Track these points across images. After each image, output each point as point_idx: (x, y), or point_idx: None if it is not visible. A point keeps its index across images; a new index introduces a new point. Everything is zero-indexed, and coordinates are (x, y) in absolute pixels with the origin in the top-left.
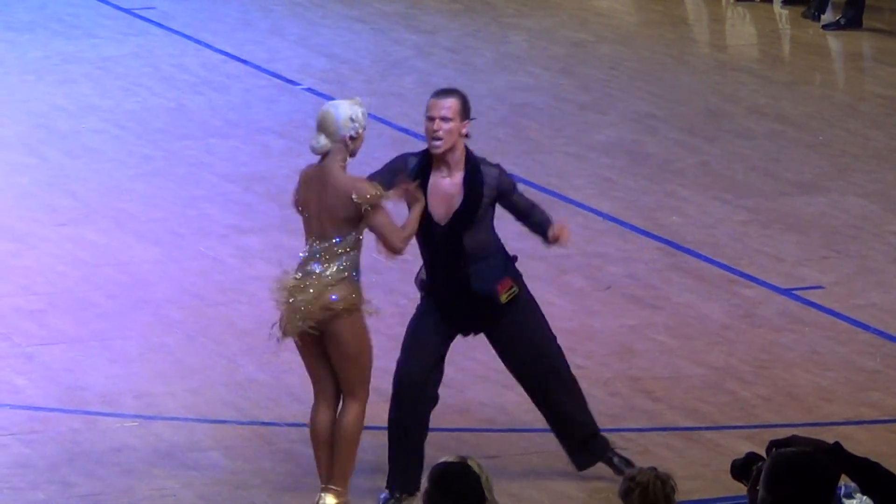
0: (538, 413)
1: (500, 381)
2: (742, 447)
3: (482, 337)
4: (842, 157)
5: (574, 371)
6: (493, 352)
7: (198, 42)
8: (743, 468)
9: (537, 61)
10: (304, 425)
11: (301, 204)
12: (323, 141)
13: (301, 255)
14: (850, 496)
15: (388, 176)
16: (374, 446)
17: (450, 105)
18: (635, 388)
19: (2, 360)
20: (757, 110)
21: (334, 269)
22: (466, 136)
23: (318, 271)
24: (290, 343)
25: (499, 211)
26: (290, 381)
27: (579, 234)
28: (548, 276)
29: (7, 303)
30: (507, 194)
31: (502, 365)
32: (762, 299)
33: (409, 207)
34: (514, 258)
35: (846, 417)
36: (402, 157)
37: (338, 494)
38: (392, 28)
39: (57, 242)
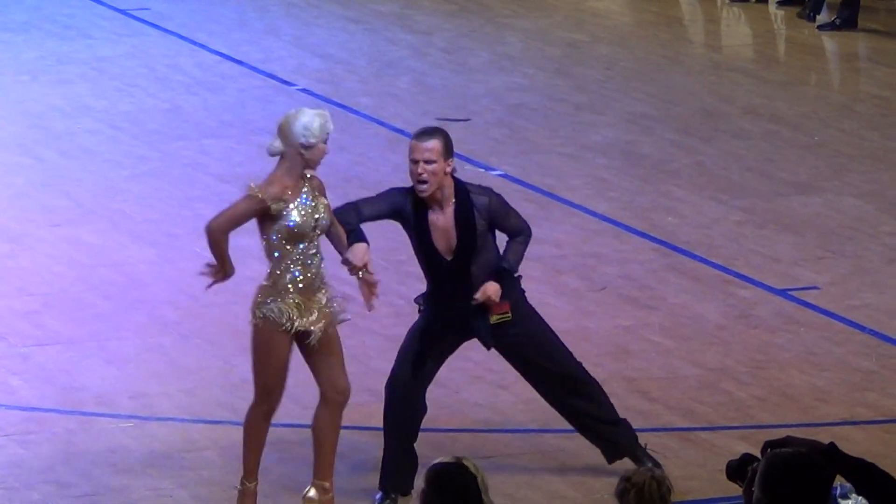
0: (533, 413)
1: (494, 381)
2: (738, 447)
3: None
4: (837, 157)
5: None
6: (488, 353)
7: (192, 42)
8: (738, 469)
9: (533, 62)
10: (299, 425)
11: None
12: (276, 144)
13: None
14: (845, 497)
15: (383, 205)
16: (370, 446)
17: (431, 147)
18: (631, 388)
19: None
20: (752, 111)
21: (268, 271)
22: (452, 172)
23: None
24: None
25: None
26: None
27: (575, 234)
28: (543, 276)
29: (2, 303)
30: (500, 219)
31: (497, 365)
32: (758, 300)
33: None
34: (518, 276)
35: (842, 418)
36: (396, 192)
37: (322, 490)
38: (387, 28)
39: (52, 243)
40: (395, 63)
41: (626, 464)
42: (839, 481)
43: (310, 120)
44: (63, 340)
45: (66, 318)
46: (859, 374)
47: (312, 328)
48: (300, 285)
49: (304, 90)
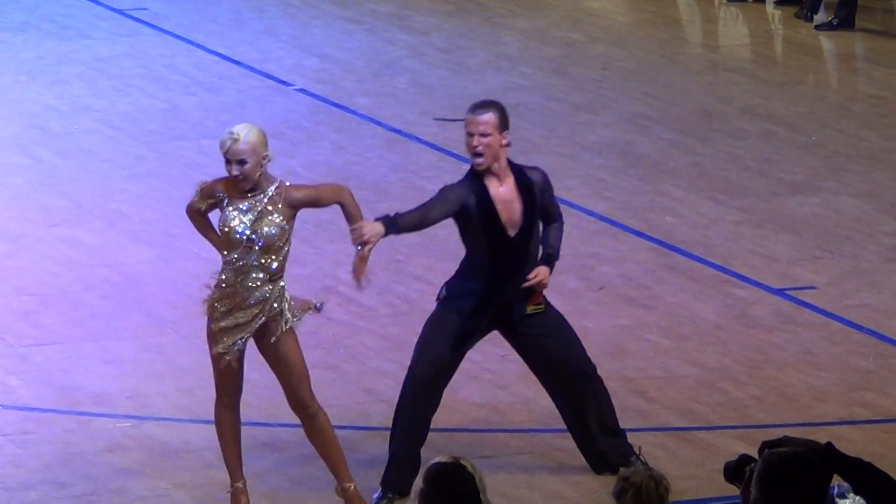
0: (531, 413)
1: (493, 381)
2: (735, 447)
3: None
4: (834, 157)
5: None
6: (487, 352)
7: (190, 43)
8: (736, 470)
9: (530, 62)
10: (296, 426)
11: None
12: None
13: None
14: (842, 496)
15: (449, 204)
16: (367, 445)
17: (486, 120)
18: (628, 388)
19: None
20: (750, 110)
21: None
22: (507, 145)
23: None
24: None
25: None
26: None
27: (573, 234)
28: None
29: (0, 303)
30: (547, 197)
31: (495, 365)
32: (755, 299)
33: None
34: None
35: (839, 417)
36: (451, 188)
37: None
38: (385, 28)
39: (50, 243)
40: (392, 63)
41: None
42: (836, 481)
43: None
44: (61, 340)
45: (64, 318)
46: (857, 373)
47: (225, 338)
48: (226, 290)
49: (301, 90)
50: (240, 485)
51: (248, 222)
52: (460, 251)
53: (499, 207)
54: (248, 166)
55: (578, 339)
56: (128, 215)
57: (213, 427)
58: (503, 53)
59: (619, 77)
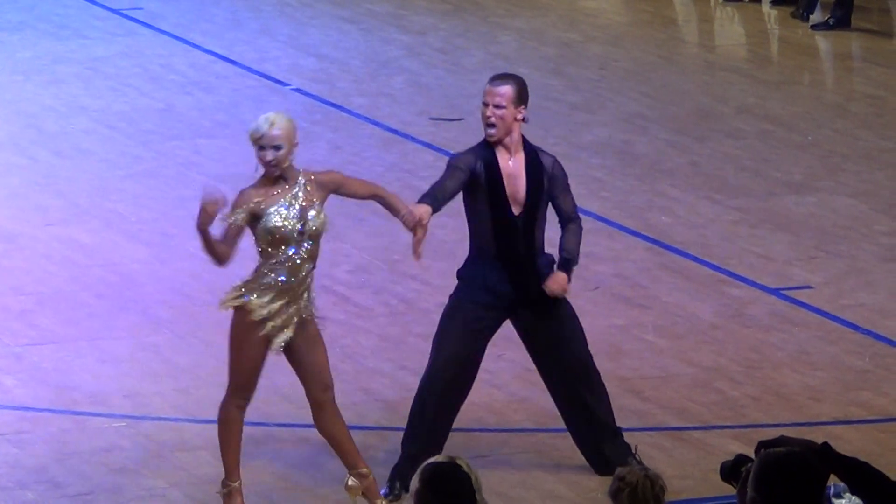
0: (527, 412)
1: (489, 380)
2: (731, 447)
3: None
4: (831, 157)
5: None
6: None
7: (186, 42)
8: (732, 470)
9: (527, 61)
10: (293, 425)
11: None
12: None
13: None
14: (839, 496)
15: (456, 174)
16: (364, 445)
17: (503, 92)
18: (624, 387)
19: None
20: (746, 110)
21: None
22: (523, 120)
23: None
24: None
25: None
26: (279, 382)
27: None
28: None
29: None
30: (558, 188)
31: (491, 365)
32: (751, 299)
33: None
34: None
35: (835, 417)
36: (458, 157)
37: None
38: (381, 28)
39: (46, 242)
40: (389, 63)
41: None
42: (833, 481)
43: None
44: (57, 340)
45: (60, 318)
46: (853, 373)
47: (283, 333)
48: (283, 288)
49: (298, 90)
50: (236, 484)
51: (294, 218)
52: (458, 251)
53: (505, 180)
54: (282, 152)
55: (584, 337)
56: (124, 215)
57: (209, 426)
58: (500, 53)
59: (615, 77)
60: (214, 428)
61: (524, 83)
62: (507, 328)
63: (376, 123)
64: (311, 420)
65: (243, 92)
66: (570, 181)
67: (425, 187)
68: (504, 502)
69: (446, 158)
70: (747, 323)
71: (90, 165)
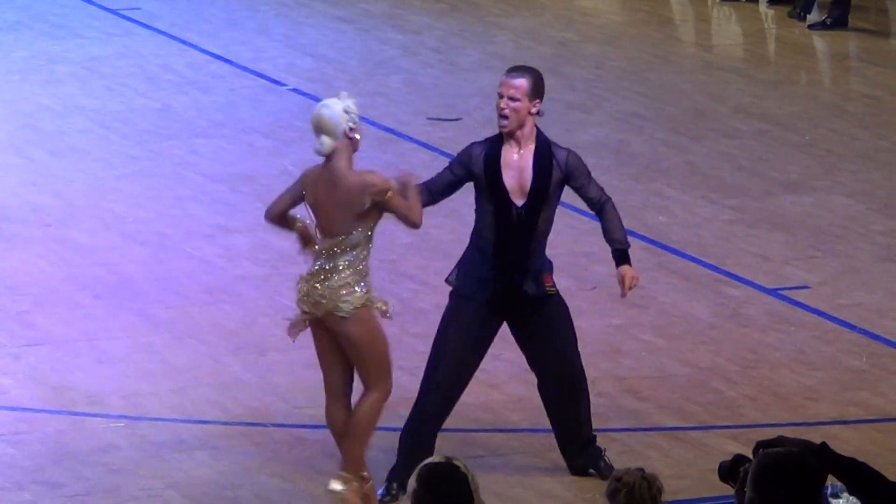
0: (524, 412)
1: (485, 380)
2: (728, 447)
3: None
4: (828, 156)
5: None
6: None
7: (183, 42)
8: (730, 470)
9: (523, 61)
10: (289, 426)
11: (311, 204)
12: (326, 141)
13: (315, 252)
14: (836, 496)
15: (448, 171)
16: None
17: (518, 85)
18: (621, 387)
19: None
20: (743, 110)
21: (342, 266)
22: (537, 114)
23: (327, 268)
24: (276, 343)
25: None
26: (276, 382)
27: (566, 233)
28: None
29: None
30: (576, 177)
31: (488, 365)
32: (748, 299)
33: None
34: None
35: (832, 417)
36: (468, 148)
37: (344, 480)
38: (377, 28)
39: (43, 242)
40: (385, 62)
41: (618, 463)
42: (830, 480)
43: (345, 104)
44: (54, 340)
45: (57, 318)
46: (850, 373)
47: None
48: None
49: (294, 90)
50: (365, 474)
51: None
52: (455, 251)
53: (506, 172)
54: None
55: (576, 342)
56: (121, 215)
57: (206, 427)
58: (496, 53)
59: (612, 76)
60: (211, 428)
61: (541, 77)
62: (505, 329)
63: (372, 123)
64: (307, 420)
65: (240, 92)
66: None
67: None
68: (502, 502)
69: (443, 158)
70: (744, 323)
71: (87, 165)
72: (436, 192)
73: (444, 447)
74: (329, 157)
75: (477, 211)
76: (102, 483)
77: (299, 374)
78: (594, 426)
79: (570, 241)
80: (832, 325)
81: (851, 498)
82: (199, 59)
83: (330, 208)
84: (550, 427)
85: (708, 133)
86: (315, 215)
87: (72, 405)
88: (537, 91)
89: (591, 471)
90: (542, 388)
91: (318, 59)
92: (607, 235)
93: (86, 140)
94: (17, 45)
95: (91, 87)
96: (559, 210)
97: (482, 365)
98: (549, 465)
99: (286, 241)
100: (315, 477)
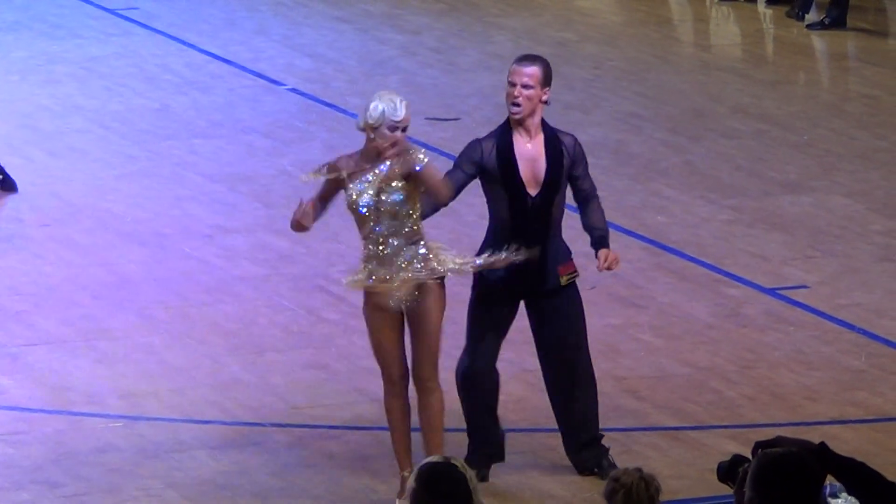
0: (524, 412)
1: None
2: (727, 447)
3: (464, 335)
4: (826, 156)
5: None
6: None
7: (182, 42)
8: (729, 471)
9: None
10: (288, 425)
11: None
12: (358, 121)
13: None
14: (835, 496)
15: (461, 169)
16: (361, 446)
17: (531, 72)
18: (620, 387)
19: None
20: (741, 110)
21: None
22: (546, 102)
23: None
24: (274, 344)
25: None
26: (274, 382)
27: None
28: None
29: None
30: (579, 167)
31: None
32: (747, 299)
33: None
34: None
35: (831, 417)
36: (467, 148)
37: None
38: (376, 28)
39: (41, 242)
40: (384, 62)
41: (617, 463)
42: (829, 480)
43: (375, 104)
44: (52, 340)
45: (56, 318)
46: (849, 373)
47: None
48: (373, 262)
49: (293, 90)
50: (406, 473)
51: (363, 194)
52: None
53: (520, 163)
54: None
55: (587, 341)
56: (119, 215)
57: (205, 427)
58: (495, 53)
59: (610, 76)
60: (210, 428)
61: (549, 65)
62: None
63: None
64: (306, 420)
65: (238, 92)
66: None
67: None
68: (500, 502)
69: (442, 158)
70: (743, 323)
71: (85, 165)
72: (456, 191)
73: (443, 447)
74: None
75: (490, 204)
76: (101, 483)
77: (298, 374)
78: None
79: (569, 241)
80: (831, 324)
81: (850, 498)
82: (198, 59)
83: None
84: (549, 427)
85: (706, 133)
86: None
87: (70, 405)
88: (547, 79)
89: (595, 469)
90: (548, 379)
91: (316, 60)
92: (591, 223)
93: (84, 140)
94: (15, 46)
95: (90, 87)
96: None
97: None
98: (548, 465)
99: (284, 242)
100: (313, 477)
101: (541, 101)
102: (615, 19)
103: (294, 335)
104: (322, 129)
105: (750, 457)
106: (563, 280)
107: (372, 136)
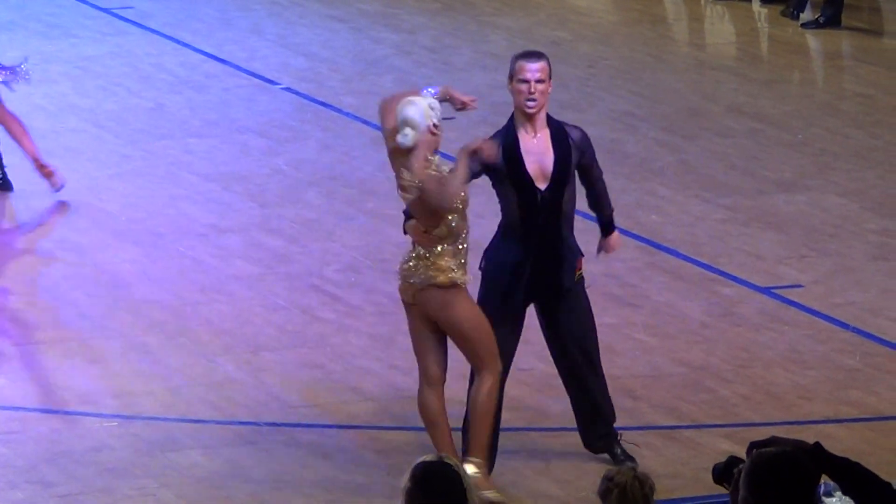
0: (518, 412)
1: None
2: (722, 446)
3: None
4: (821, 155)
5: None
6: None
7: (177, 42)
8: (724, 472)
9: None
10: (282, 424)
11: None
12: (410, 133)
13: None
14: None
15: (475, 165)
16: (354, 445)
17: (542, 67)
18: (615, 386)
19: None
20: (736, 109)
21: (438, 250)
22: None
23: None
24: (269, 343)
25: None
26: (269, 381)
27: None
28: None
29: None
30: (588, 157)
31: None
32: (741, 298)
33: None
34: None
35: (826, 416)
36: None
37: (477, 465)
38: (371, 27)
39: (36, 242)
40: (379, 62)
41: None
42: (823, 480)
43: (430, 102)
44: (47, 340)
45: (50, 318)
46: (843, 371)
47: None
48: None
49: (288, 89)
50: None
51: None
52: None
53: (527, 158)
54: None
55: (596, 334)
56: (114, 214)
57: (199, 426)
58: (490, 52)
59: (605, 76)
60: (205, 427)
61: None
62: None
63: (366, 122)
64: (301, 419)
65: (233, 91)
66: None
67: None
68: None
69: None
70: (738, 322)
71: (80, 164)
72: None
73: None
74: (410, 150)
75: (501, 201)
76: (96, 482)
77: (292, 373)
78: None
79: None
80: (825, 324)
81: (845, 497)
82: (193, 59)
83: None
84: (543, 426)
85: (701, 132)
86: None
87: (65, 404)
88: (551, 72)
89: (607, 455)
90: (562, 368)
91: (311, 59)
92: (600, 204)
93: (79, 139)
94: (10, 45)
95: (84, 86)
96: None
97: None
98: (543, 465)
99: (279, 241)
100: (308, 476)
101: (549, 93)
102: (610, 18)
103: (289, 334)
104: (317, 129)
105: (744, 457)
106: (577, 277)
107: (436, 132)
